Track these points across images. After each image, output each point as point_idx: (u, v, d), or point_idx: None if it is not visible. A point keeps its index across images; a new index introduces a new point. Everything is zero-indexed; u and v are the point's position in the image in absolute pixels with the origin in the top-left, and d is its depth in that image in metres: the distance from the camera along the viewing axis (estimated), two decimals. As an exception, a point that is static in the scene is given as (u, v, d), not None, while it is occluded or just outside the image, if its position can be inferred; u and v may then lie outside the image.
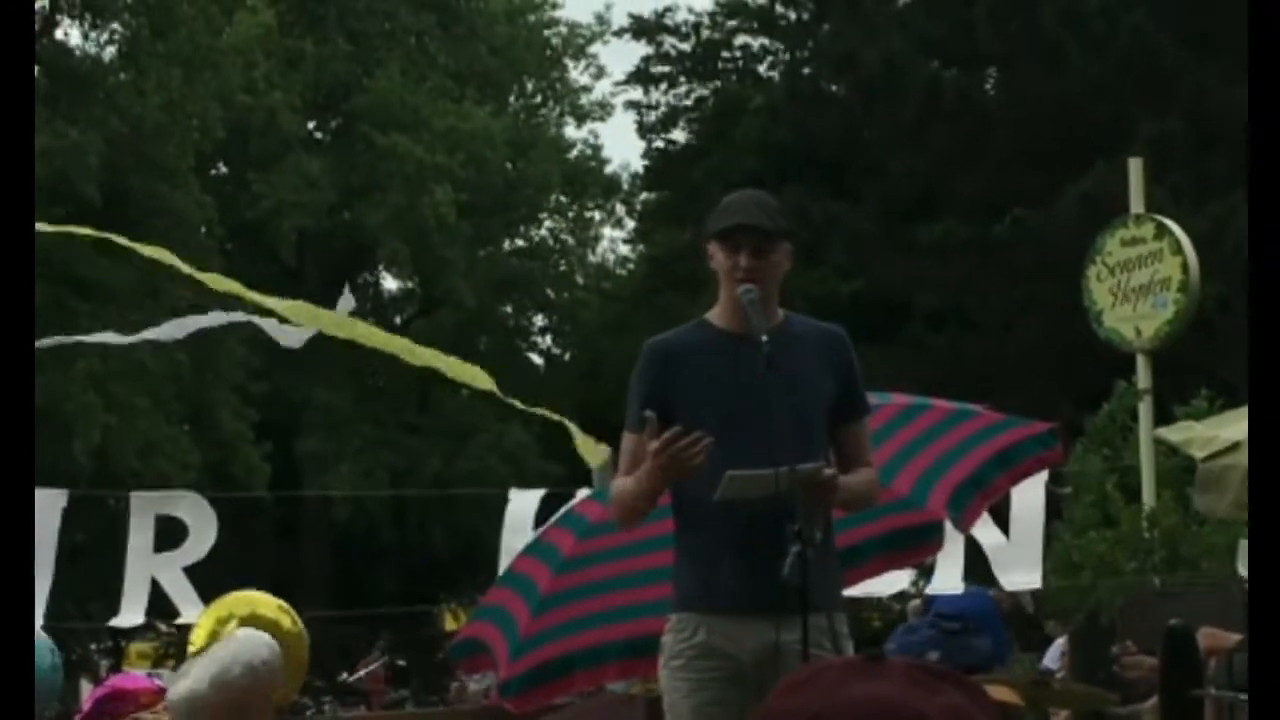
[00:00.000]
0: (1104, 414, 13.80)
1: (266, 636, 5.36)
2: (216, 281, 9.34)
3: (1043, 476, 9.20)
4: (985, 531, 8.71)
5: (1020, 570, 8.41)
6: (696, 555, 5.04)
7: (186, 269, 8.95)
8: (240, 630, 5.61)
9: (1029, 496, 8.96)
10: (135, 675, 7.37)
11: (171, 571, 9.75)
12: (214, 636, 5.89)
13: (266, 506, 30.94)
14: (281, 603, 6.23)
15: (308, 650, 6.12)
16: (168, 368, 28.14)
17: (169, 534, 9.98)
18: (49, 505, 9.34)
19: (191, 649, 6.03)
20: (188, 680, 5.12)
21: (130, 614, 10.20)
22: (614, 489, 5.13)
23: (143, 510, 9.93)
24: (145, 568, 9.88)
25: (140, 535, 9.81)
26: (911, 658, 1.92)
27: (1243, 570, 8.56)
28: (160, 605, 10.28)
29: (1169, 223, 13.60)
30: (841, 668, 1.79)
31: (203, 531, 9.77)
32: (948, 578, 8.63)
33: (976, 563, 8.98)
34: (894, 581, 9.15)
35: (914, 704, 1.72)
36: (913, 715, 1.71)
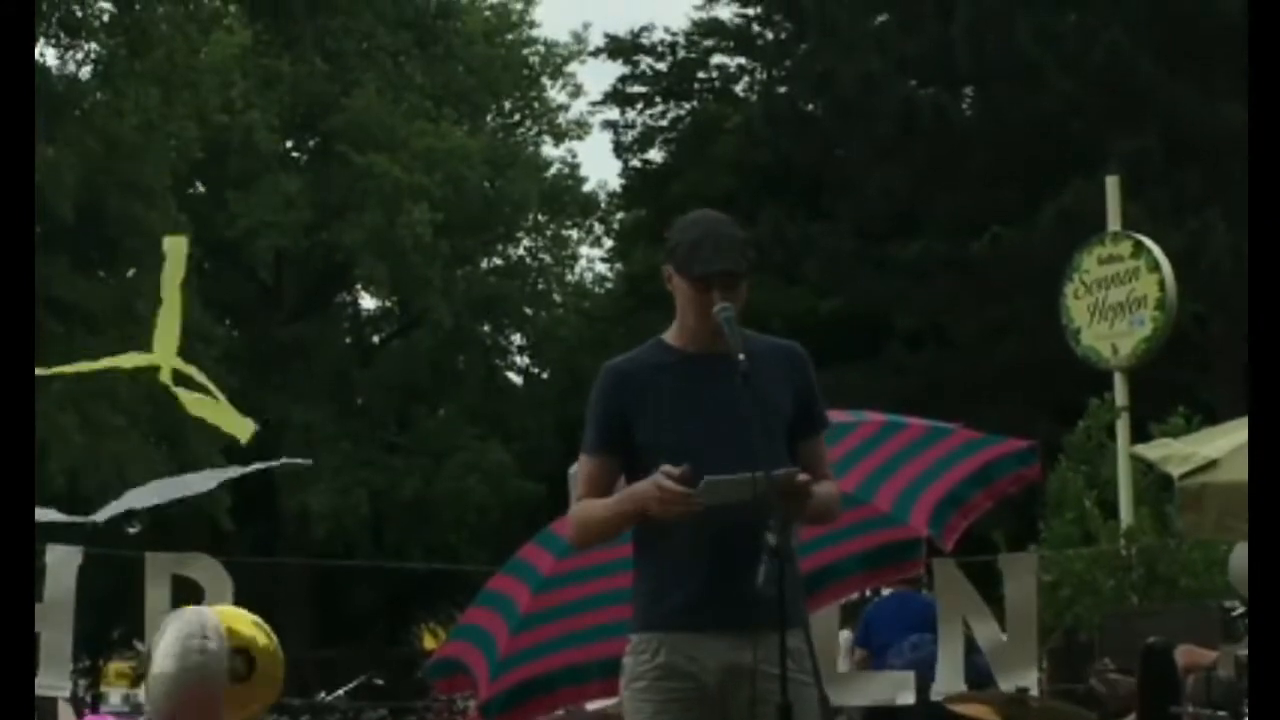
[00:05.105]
0: (1079, 430, 13.83)
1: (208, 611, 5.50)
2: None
3: (1034, 567, 9.19)
4: (984, 629, 8.74)
5: (1018, 670, 8.43)
6: (655, 574, 4.98)
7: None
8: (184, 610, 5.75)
9: (1024, 591, 8.97)
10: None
11: None
12: None
13: (243, 525, 30.86)
14: (256, 618, 6.20)
15: (283, 668, 6.09)
16: (143, 388, 28.03)
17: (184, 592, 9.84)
18: (65, 562, 9.12)
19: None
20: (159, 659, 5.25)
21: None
22: (578, 510, 5.06)
23: (158, 570, 9.72)
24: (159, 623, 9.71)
25: (157, 592, 9.55)
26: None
27: (1234, 584, 8.57)
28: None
29: (1146, 240, 13.65)
30: None
31: (219, 594, 9.55)
32: (950, 681, 8.64)
33: (977, 664, 8.98)
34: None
35: None
36: None
